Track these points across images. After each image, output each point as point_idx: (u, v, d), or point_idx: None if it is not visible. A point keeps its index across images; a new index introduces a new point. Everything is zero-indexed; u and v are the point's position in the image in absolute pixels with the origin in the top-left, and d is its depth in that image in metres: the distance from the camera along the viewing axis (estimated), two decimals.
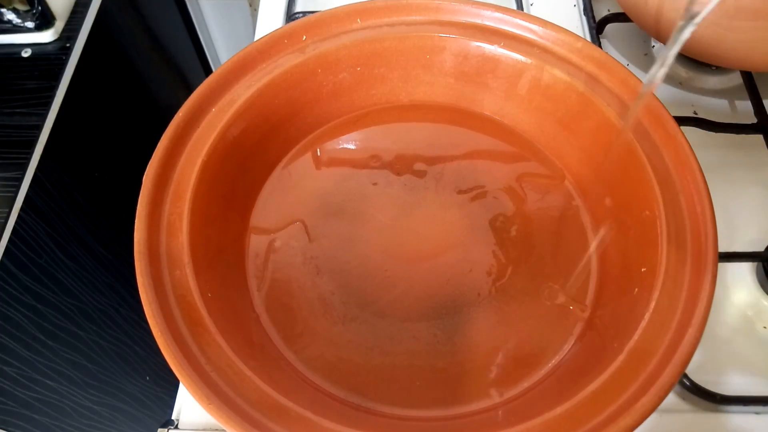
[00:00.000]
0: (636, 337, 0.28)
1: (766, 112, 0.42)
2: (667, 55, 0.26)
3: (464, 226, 0.37)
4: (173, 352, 0.27)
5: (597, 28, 0.48)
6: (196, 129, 0.35)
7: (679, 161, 0.32)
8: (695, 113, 0.45)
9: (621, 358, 0.28)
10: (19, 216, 0.45)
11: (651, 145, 0.33)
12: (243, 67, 0.37)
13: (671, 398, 0.34)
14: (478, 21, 0.39)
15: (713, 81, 0.47)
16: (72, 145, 0.53)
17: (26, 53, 0.50)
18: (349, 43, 0.38)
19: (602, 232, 0.36)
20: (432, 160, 0.40)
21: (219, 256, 0.34)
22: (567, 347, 0.33)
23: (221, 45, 0.89)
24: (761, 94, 0.43)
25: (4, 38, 0.51)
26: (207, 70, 0.89)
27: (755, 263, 0.38)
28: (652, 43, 0.49)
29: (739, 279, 0.38)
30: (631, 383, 0.27)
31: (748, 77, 0.44)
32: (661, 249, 0.30)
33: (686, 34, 0.25)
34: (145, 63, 0.71)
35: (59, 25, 0.52)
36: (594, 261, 0.36)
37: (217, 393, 0.26)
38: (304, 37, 0.38)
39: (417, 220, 0.37)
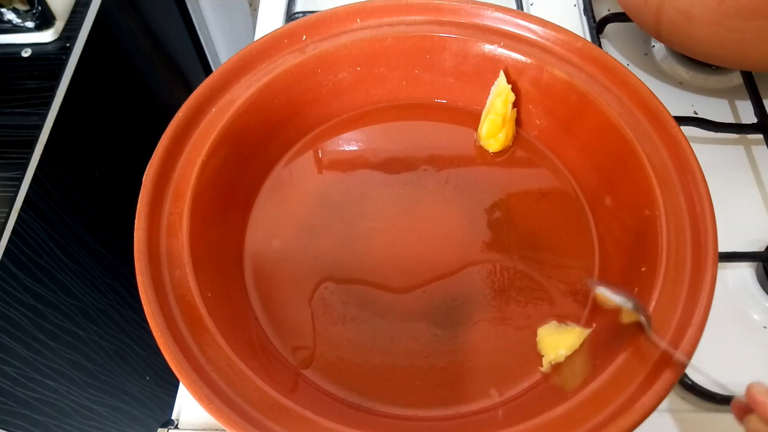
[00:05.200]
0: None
1: (766, 111, 0.42)
2: None
3: (464, 225, 0.37)
4: (173, 352, 0.27)
5: (597, 28, 0.48)
6: (196, 129, 0.35)
7: (679, 161, 0.32)
8: (695, 113, 0.45)
9: (621, 357, 0.28)
10: (19, 216, 0.45)
11: (651, 145, 0.33)
12: (243, 66, 0.37)
13: (671, 398, 0.34)
14: (478, 21, 0.39)
15: (713, 81, 0.47)
16: (72, 145, 0.53)
17: (26, 53, 0.50)
18: (349, 42, 0.38)
19: (602, 231, 0.36)
20: (431, 159, 0.40)
21: (219, 256, 0.34)
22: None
23: (221, 45, 0.89)
24: (761, 94, 0.43)
25: (4, 38, 0.51)
26: (207, 70, 0.89)
27: (755, 263, 0.38)
28: (652, 43, 0.49)
29: (739, 279, 0.38)
30: (631, 383, 0.27)
31: (748, 77, 0.44)
32: (661, 249, 0.30)
33: None
34: (145, 63, 0.71)
35: (59, 25, 0.52)
36: (594, 260, 0.36)
37: (217, 393, 0.26)
38: (304, 36, 0.38)
39: (416, 219, 0.37)
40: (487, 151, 0.40)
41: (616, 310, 0.30)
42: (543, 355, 0.32)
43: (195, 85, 0.35)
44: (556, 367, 0.31)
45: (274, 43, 0.38)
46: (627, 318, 0.29)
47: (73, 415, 0.62)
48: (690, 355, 0.27)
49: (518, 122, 0.40)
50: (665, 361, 0.27)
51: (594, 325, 0.33)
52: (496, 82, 0.38)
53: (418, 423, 0.31)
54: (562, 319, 0.33)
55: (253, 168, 0.38)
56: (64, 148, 0.51)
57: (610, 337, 0.30)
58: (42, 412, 0.57)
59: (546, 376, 0.31)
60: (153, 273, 0.29)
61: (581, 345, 0.31)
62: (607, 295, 0.30)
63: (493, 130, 0.39)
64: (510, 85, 0.38)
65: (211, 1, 0.82)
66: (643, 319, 0.27)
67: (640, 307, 0.28)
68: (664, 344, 0.26)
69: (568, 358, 0.31)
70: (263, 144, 0.38)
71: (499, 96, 0.38)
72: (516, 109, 0.39)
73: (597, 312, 0.33)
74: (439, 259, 0.36)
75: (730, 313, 0.37)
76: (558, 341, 0.32)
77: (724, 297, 0.37)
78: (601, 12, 0.50)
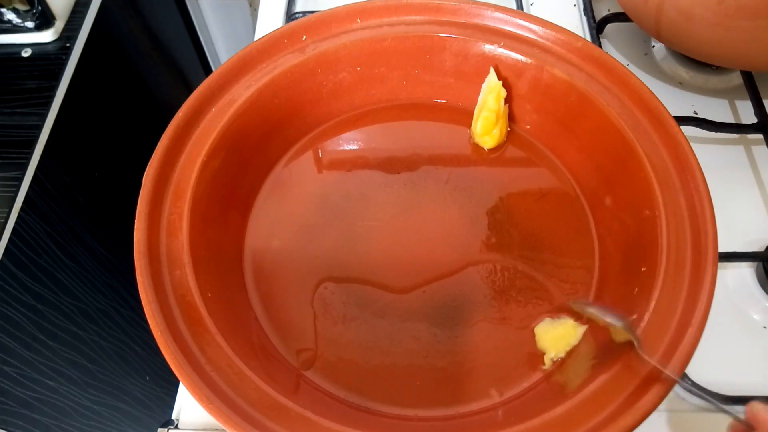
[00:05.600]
0: None
1: (766, 111, 0.42)
2: None
3: (464, 225, 0.37)
4: (173, 352, 0.27)
5: (597, 28, 0.48)
6: (196, 129, 0.35)
7: (679, 161, 0.32)
8: (695, 113, 0.45)
9: (622, 357, 0.28)
10: (19, 216, 0.45)
11: (651, 145, 0.33)
12: (243, 66, 0.37)
13: (671, 398, 0.34)
14: (478, 21, 0.39)
15: (713, 81, 0.47)
16: (72, 145, 0.53)
17: (26, 53, 0.50)
18: (349, 42, 0.38)
19: (602, 231, 0.36)
20: (431, 159, 0.40)
21: (219, 256, 0.34)
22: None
23: (221, 45, 0.89)
24: (761, 94, 0.43)
25: (4, 38, 0.51)
26: (207, 70, 0.89)
27: (755, 263, 0.38)
28: (652, 43, 0.49)
29: (739, 279, 0.38)
30: (631, 383, 0.27)
31: (748, 77, 0.44)
32: (661, 249, 0.30)
33: None
34: (145, 63, 0.71)
35: (59, 25, 0.52)
36: (594, 260, 0.36)
37: (217, 393, 0.26)
38: (304, 36, 0.38)
39: (416, 220, 0.37)
40: (483, 148, 0.40)
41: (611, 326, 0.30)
42: (544, 353, 0.32)
43: (195, 85, 0.35)
44: (560, 365, 0.31)
45: (274, 43, 0.38)
46: (618, 337, 0.29)
47: (73, 415, 0.62)
48: (690, 355, 0.27)
49: (511, 117, 0.40)
50: (665, 361, 0.27)
51: (589, 322, 0.33)
52: (486, 80, 0.38)
53: (418, 423, 0.31)
54: (555, 314, 0.34)
55: (253, 168, 0.38)
56: (64, 148, 0.51)
57: (610, 336, 0.30)
58: (42, 412, 0.57)
59: (549, 374, 0.31)
60: (153, 273, 0.29)
61: (582, 342, 0.31)
62: (598, 315, 0.30)
63: (488, 126, 0.39)
64: (501, 82, 0.38)
65: (211, 1, 0.82)
66: (634, 338, 0.27)
67: (630, 326, 0.28)
68: (655, 363, 0.26)
69: (570, 356, 0.31)
70: (263, 144, 0.38)
71: (491, 93, 0.38)
72: (507, 104, 0.39)
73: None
74: (439, 259, 0.36)
75: (730, 313, 0.37)
76: (556, 337, 0.32)
77: (724, 297, 0.37)
78: (601, 12, 0.50)
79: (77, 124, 0.53)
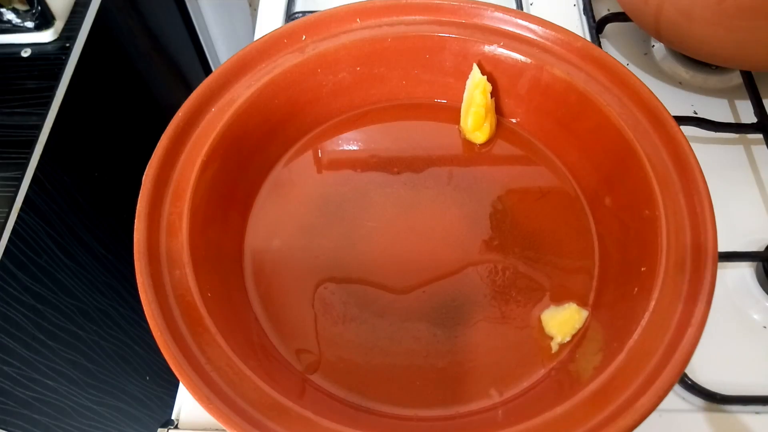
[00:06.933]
0: (636, 336, 0.28)
1: (766, 111, 0.42)
2: None
3: (464, 225, 0.37)
4: (173, 352, 0.27)
5: (597, 27, 0.48)
6: (196, 129, 0.35)
7: (679, 161, 0.32)
8: (695, 113, 0.45)
9: (621, 357, 0.28)
10: (19, 216, 0.45)
11: (651, 145, 0.33)
12: (243, 66, 0.37)
13: (671, 398, 0.34)
14: (478, 21, 0.39)
15: (713, 81, 0.47)
16: (72, 145, 0.53)
17: (26, 53, 0.51)
18: (349, 42, 0.38)
19: (602, 231, 0.36)
20: (431, 160, 0.40)
21: (219, 256, 0.34)
22: (567, 347, 0.33)
23: (221, 45, 0.89)
24: (761, 94, 0.43)
25: (4, 38, 0.51)
26: (207, 70, 0.89)
27: (755, 263, 0.38)
28: (652, 43, 0.49)
29: (739, 279, 0.38)
30: (631, 383, 0.27)
31: (748, 77, 0.44)
32: (661, 249, 0.30)
33: None
34: (145, 63, 0.71)
35: (59, 24, 0.52)
36: (594, 260, 0.36)
37: (217, 393, 0.27)
38: (304, 36, 0.38)
39: (416, 220, 0.37)
40: (475, 144, 0.40)
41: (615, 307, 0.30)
42: (551, 339, 0.33)
43: (195, 85, 0.35)
44: (570, 354, 0.32)
45: (274, 43, 0.38)
46: None
47: (73, 415, 0.62)
48: (690, 355, 0.27)
49: (498, 111, 0.41)
50: (665, 360, 0.27)
51: (590, 308, 0.33)
52: (470, 76, 0.39)
53: (418, 423, 0.31)
54: (559, 302, 0.34)
55: (253, 168, 0.38)
56: (64, 148, 0.51)
57: (610, 336, 0.30)
58: (42, 412, 0.57)
59: (561, 364, 0.32)
60: (153, 273, 0.29)
61: (589, 329, 0.32)
62: None
63: (478, 121, 0.39)
64: (485, 76, 0.38)
65: (211, 1, 0.82)
66: None
67: None
68: None
69: (579, 345, 0.32)
70: (263, 144, 0.38)
71: (477, 88, 0.38)
72: (493, 98, 0.40)
73: (598, 310, 0.33)
74: (439, 259, 0.36)
75: (730, 313, 0.37)
76: (561, 321, 0.33)
77: (724, 297, 0.37)
78: (600, 12, 0.50)
79: (77, 124, 0.53)
